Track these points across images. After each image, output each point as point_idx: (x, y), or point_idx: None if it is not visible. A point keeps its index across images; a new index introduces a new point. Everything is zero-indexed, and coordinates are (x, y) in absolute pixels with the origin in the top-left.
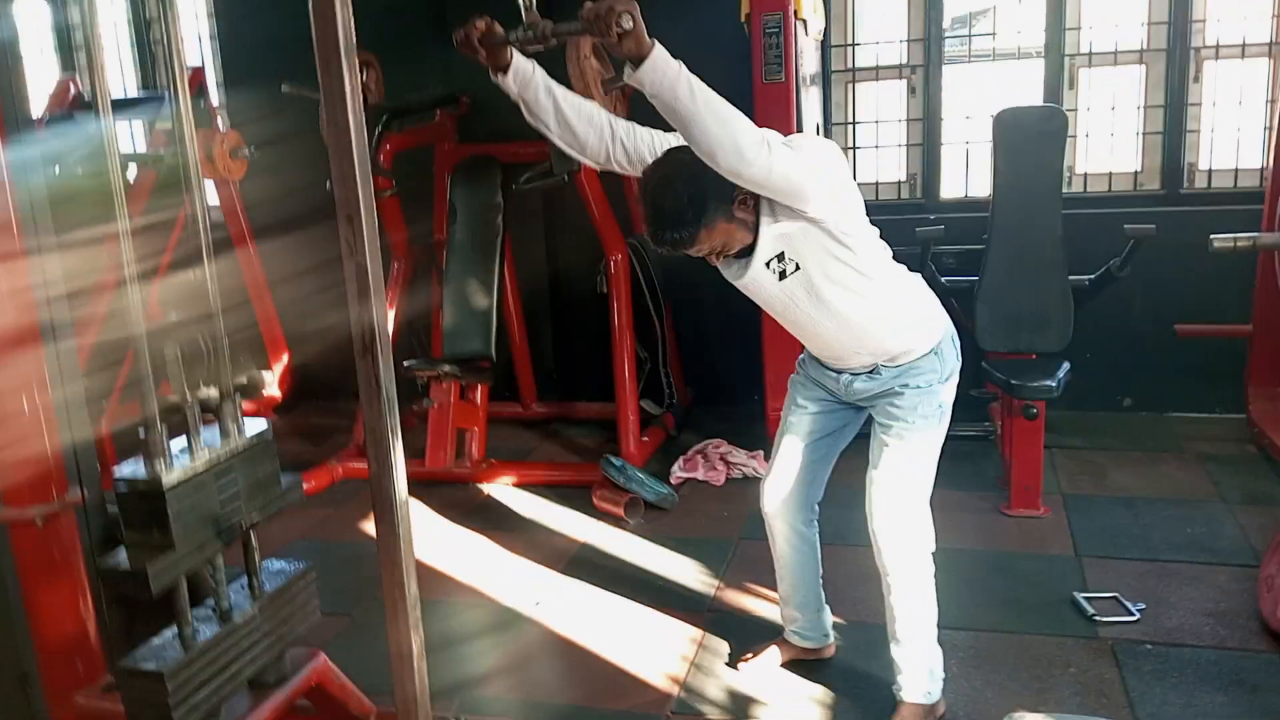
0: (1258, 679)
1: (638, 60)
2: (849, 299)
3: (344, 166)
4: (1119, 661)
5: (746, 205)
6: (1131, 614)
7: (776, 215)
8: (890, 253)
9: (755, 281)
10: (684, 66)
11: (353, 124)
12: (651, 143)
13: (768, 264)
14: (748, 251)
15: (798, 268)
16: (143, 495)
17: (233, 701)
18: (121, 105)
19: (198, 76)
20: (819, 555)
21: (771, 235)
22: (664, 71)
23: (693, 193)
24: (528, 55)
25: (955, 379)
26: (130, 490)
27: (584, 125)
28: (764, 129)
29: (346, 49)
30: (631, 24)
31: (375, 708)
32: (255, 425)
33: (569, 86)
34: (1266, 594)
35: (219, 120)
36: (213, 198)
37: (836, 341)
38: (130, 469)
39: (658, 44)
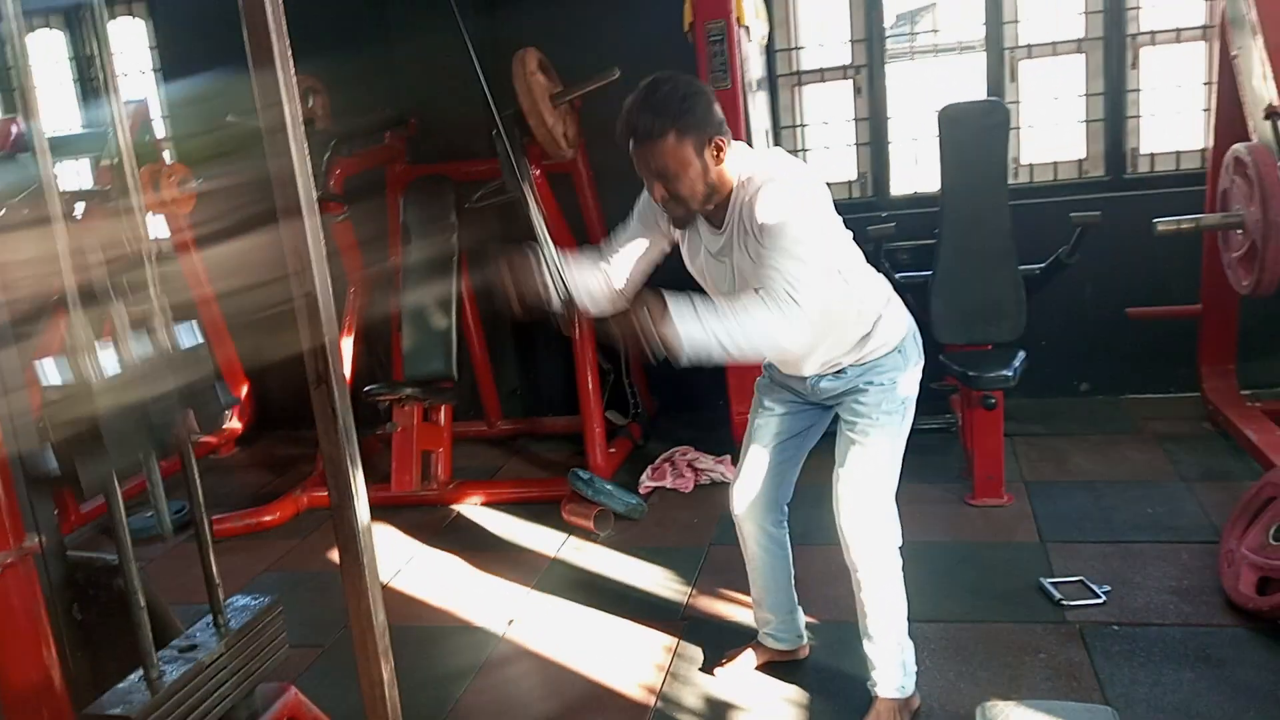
0: (1223, 654)
1: (676, 357)
2: (824, 311)
3: (283, 169)
4: (1087, 644)
5: (718, 156)
6: (1097, 596)
7: (746, 239)
8: (861, 255)
9: (712, 268)
10: (703, 317)
11: (294, 152)
12: (626, 248)
13: (758, 291)
14: (705, 226)
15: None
16: (71, 398)
17: None
18: (64, 143)
19: (142, 111)
20: (790, 556)
21: (736, 237)
22: (698, 350)
23: (686, 98)
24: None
25: (918, 375)
26: (60, 395)
27: (602, 300)
28: (732, 153)
29: (280, 51)
30: (660, 345)
31: None
32: (189, 335)
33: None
34: (1228, 569)
35: (165, 154)
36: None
37: (810, 349)
38: (56, 371)
39: (681, 329)
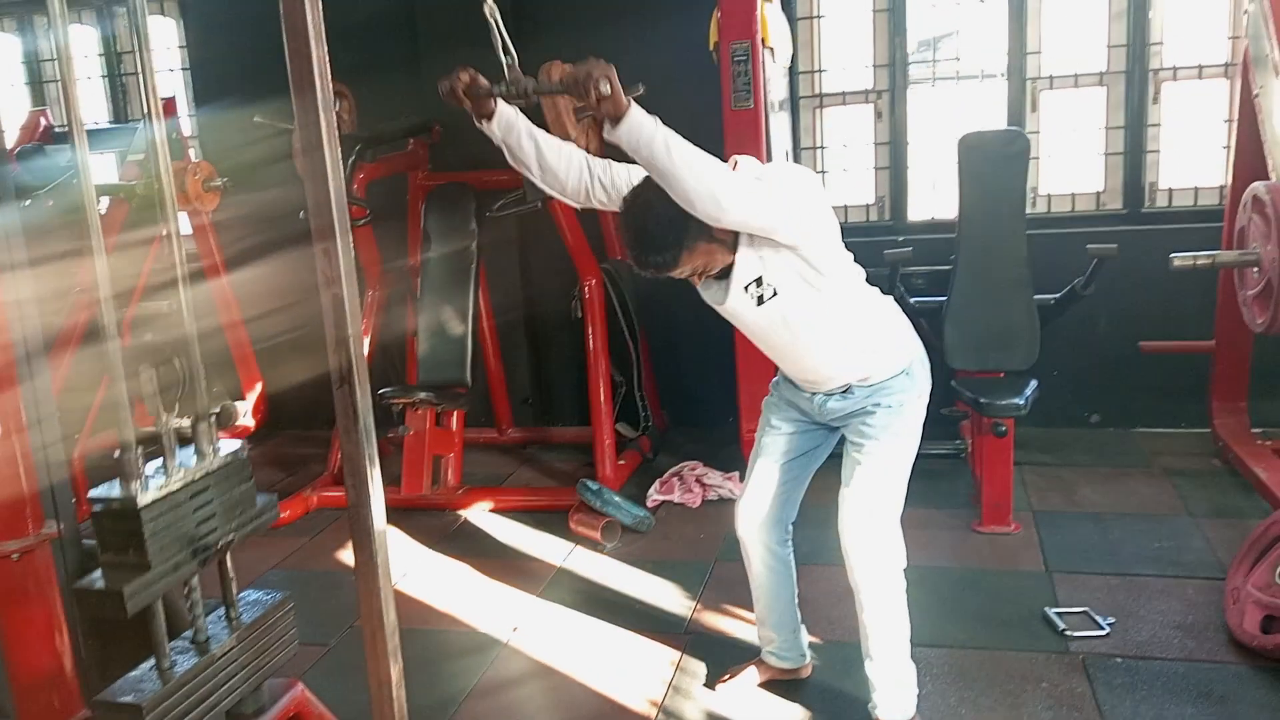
0: (1226, 690)
1: (616, 120)
2: (823, 323)
3: (319, 197)
4: (1090, 676)
5: (720, 229)
6: (1101, 628)
7: (754, 240)
8: (864, 275)
9: (735, 306)
10: (660, 124)
11: (328, 156)
12: (628, 177)
13: (746, 288)
14: (727, 273)
15: (775, 293)
16: (118, 515)
17: None
18: (93, 137)
19: (170, 107)
20: (794, 575)
21: (749, 258)
22: (640, 131)
23: (673, 216)
24: (511, 105)
25: (925, 398)
26: (106, 510)
27: (564, 167)
28: (745, 164)
29: (321, 80)
30: (610, 88)
31: None
32: (229, 445)
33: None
34: (1233, 606)
35: (191, 151)
36: (185, 228)
37: (812, 364)
38: (105, 489)
39: (634, 104)
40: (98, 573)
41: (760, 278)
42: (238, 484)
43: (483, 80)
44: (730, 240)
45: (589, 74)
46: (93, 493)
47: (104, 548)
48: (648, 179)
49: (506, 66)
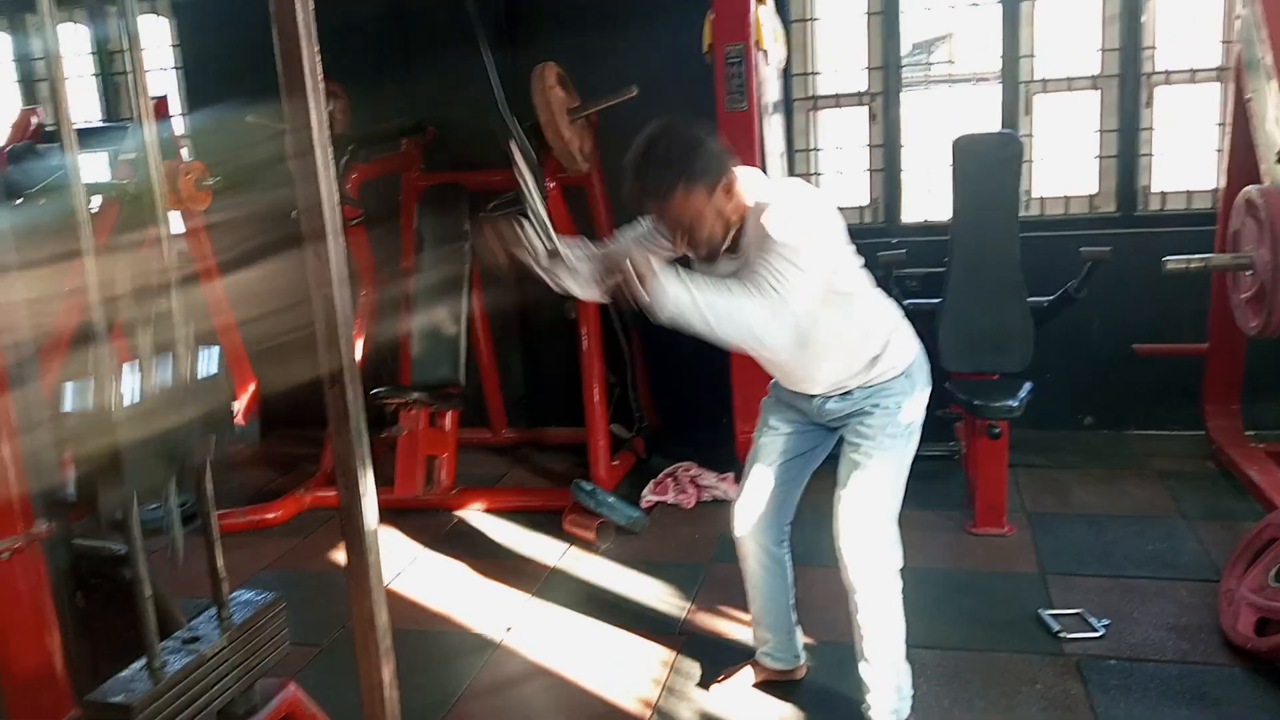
0: (1220, 692)
1: (654, 307)
2: (834, 335)
3: (311, 198)
4: (1084, 678)
5: (729, 193)
6: (1096, 630)
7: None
8: (871, 279)
9: None
10: (688, 285)
11: (320, 156)
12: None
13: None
14: (718, 253)
15: None
16: (92, 423)
17: None
18: (84, 136)
19: (162, 106)
20: (790, 576)
21: (749, 260)
22: (678, 311)
23: (686, 149)
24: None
25: (924, 401)
26: (81, 419)
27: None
28: (742, 185)
29: (313, 81)
30: (645, 294)
31: None
32: (209, 362)
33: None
34: (1227, 608)
35: (183, 151)
36: (177, 228)
37: (816, 373)
38: (78, 398)
39: (668, 288)
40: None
41: None
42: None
43: (525, 258)
44: (730, 221)
45: (628, 284)
46: (65, 403)
47: (79, 459)
48: (671, 119)
49: (544, 239)
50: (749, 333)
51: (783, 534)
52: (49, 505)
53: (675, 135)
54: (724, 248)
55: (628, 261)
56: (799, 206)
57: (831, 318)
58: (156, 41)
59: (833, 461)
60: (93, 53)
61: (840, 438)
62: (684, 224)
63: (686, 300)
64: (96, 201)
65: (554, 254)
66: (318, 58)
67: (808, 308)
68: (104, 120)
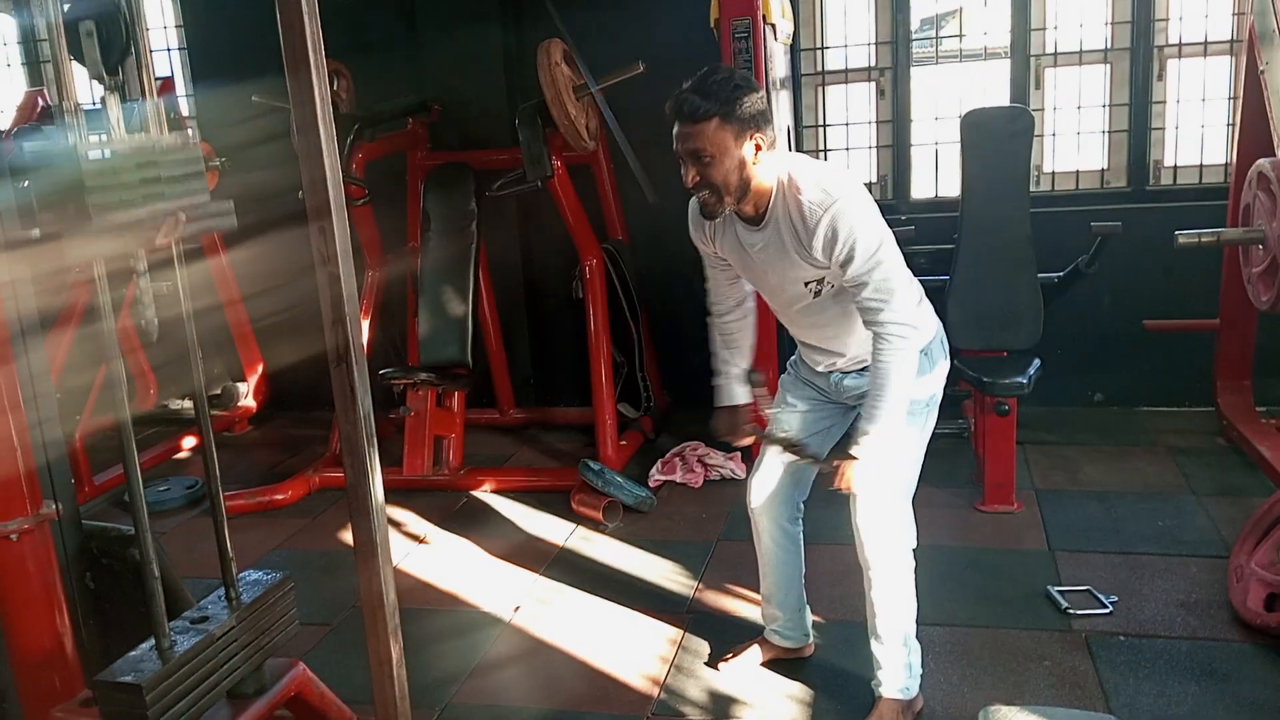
0: (1229, 668)
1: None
2: (849, 303)
3: (315, 174)
4: (1093, 654)
5: (756, 152)
6: (1104, 606)
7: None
8: (902, 255)
9: (787, 289)
10: (880, 424)
11: (323, 132)
12: (727, 279)
13: (806, 284)
14: (748, 222)
15: (832, 287)
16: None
17: (212, 713)
18: (88, 116)
19: (167, 86)
20: (802, 553)
21: (783, 234)
22: (894, 432)
23: (737, 89)
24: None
25: (943, 379)
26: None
27: (751, 326)
28: (896, 319)
29: (315, 57)
30: (863, 481)
31: (356, 716)
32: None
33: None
34: (1236, 584)
35: (189, 131)
36: None
37: (840, 343)
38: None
39: (866, 439)
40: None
41: (823, 278)
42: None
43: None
44: (755, 186)
45: (844, 484)
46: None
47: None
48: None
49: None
50: (912, 371)
51: (797, 511)
52: None
53: (735, 74)
54: (737, 209)
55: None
56: (849, 202)
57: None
58: (161, 21)
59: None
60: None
61: (858, 415)
62: (703, 156)
63: (887, 427)
64: None
65: (794, 446)
66: (320, 34)
67: (911, 298)
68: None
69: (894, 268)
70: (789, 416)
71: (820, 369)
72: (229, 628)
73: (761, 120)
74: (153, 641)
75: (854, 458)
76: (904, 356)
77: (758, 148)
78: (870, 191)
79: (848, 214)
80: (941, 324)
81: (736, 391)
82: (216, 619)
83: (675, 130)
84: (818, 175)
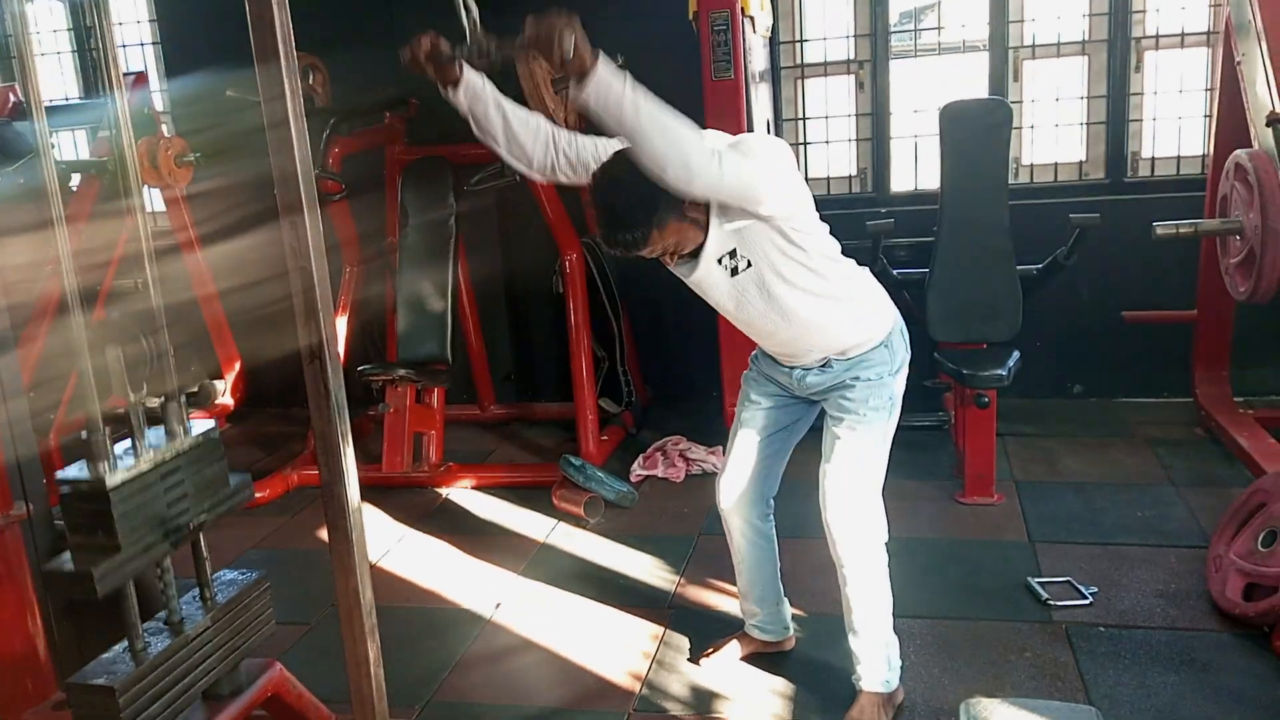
0: (1208, 658)
1: (581, 77)
2: (800, 295)
3: (286, 168)
4: (1073, 645)
5: (698, 204)
6: (1084, 597)
7: (727, 213)
8: (839, 247)
9: (708, 278)
10: (630, 81)
11: (294, 126)
12: (595, 150)
13: (719, 260)
14: (698, 251)
15: (749, 264)
16: (86, 496)
17: (187, 714)
18: (62, 112)
19: (141, 81)
20: (776, 549)
21: (722, 233)
22: (609, 90)
23: (643, 193)
24: (477, 70)
25: (905, 370)
26: (73, 492)
27: (530, 138)
28: (712, 135)
29: (285, 49)
30: (573, 46)
31: (334, 716)
32: (201, 425)
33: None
34: (1215, 574)
35: (163, 126)
36: (159, 204)
37: (789, 337)
38: (73, 471)
39: (601, 62)
40: (67, 554)
41: (735, 249)
42: (209, 464)
43: (445, 45)
44: (702, 219)
45: (550, 27)
46: (60, 474)
47: (72, 531)
48: (618, 154)
49: (468, 26)
50: (679, 152)
51: (767, 508)
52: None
53: (623, 185)
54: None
55: (563, 18)
56: (756, 136)
57: (804, 284)
58: (134, 16)
59: (816, 434)
60: (69, 29)
61: (822, 411)
62: (669, 250)
63: (615, 83)
64: (76, 180)
65: (474, 27)
66: (290, 25)
67: (741, 178)
68: (82, 96)
69: (751, 159)
70: (752, 414)
71: (782, 365)
72: (203, 628)
73: (674, 192)
74: (126, 643)
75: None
76: (691, 136)
77: (693, 203)
78: (850, 185)
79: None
80: (912, 320)
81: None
82: (191, 620)
83: (633, 255)
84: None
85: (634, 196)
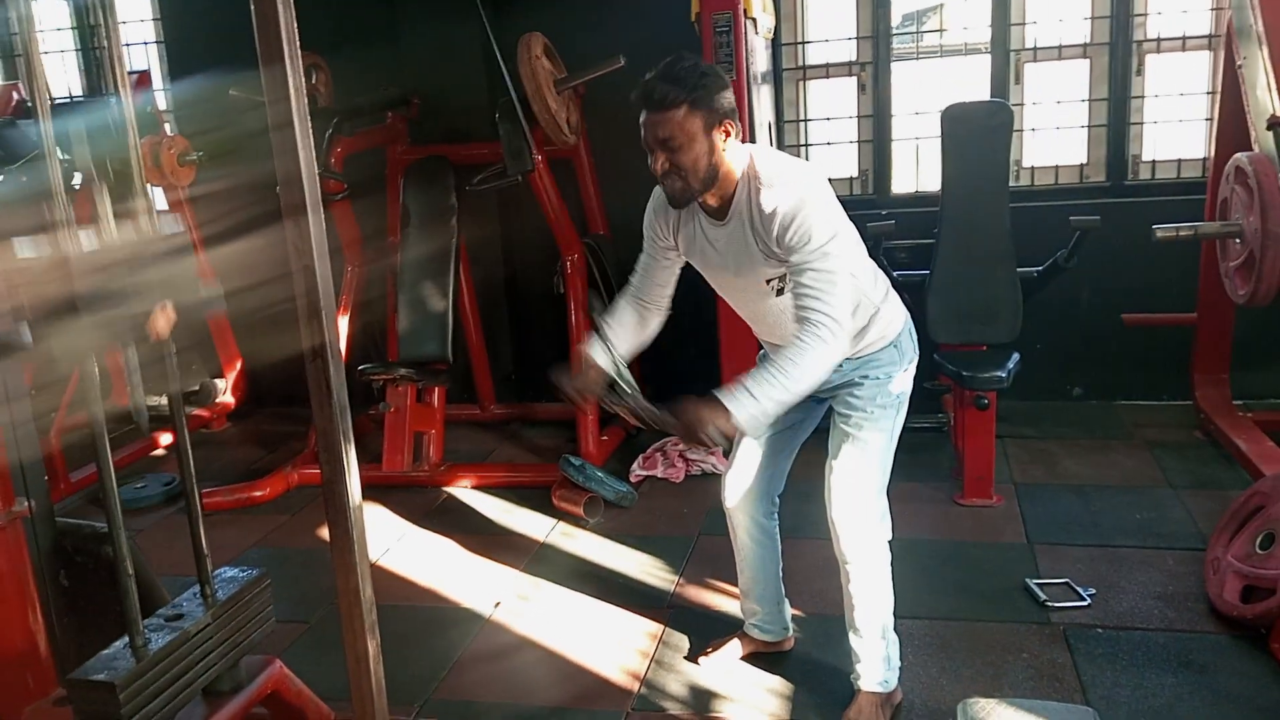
0: (1205, 660)
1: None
2: None
3: (290, 169)
4: (1071, 646)
5: (725, 139)
6: (1083, 599)
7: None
8: (864, 249)
9: (748, 287)
10: (766, 392)
11: (298, 126)
12: (650, 276)
13: (768, 281)
14: (723, 212)
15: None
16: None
17: (187, 711)
18: (65, 110)
19: (144, 80)
20: (779, 548)
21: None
22: (764, 420)
23: (703, 77)
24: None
25: (913, 371)
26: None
27: (644, 330)
28: (755, 159)
29: (290, 49)
30: (717, 434)
31: (333, 713)
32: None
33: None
34: (1213, 576)
35: (166, 125)
36: (161, 203)
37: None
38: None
39: (743, 417)
40: None
41: (785, 274)
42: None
43: (594, 385)
44: (721, 172)
45: (692, 426)
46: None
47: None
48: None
49: (625, 384)
50: (827, 369)
51: (772, 506)
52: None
53: (699, 63)
54: (703, 200)
55: (693, 420)
56: (804, 192)
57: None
58: (138, 15)
59: (821, 434)
60: (73, 27)
61: (829, 409)
62: (672, 143)
63: (764, 408)
64: (79, 178)
65: (634, 397)
66: (294, 26)
67: (850, 303)
68: (86, 95)
69: (841, 263)
70: None
71: None
72: (204, 625)
73: (729, 108)
74: (127, 639)
75: (714, 399)
76: (825, 350)
77: (726, 134)
78: (851, 186)
79: (805, 203)
80: (912, 320)
81: (599, 355)
82: (191, 616)
83: (643, 119)
84: (779, 165)
85: (696, 73)
